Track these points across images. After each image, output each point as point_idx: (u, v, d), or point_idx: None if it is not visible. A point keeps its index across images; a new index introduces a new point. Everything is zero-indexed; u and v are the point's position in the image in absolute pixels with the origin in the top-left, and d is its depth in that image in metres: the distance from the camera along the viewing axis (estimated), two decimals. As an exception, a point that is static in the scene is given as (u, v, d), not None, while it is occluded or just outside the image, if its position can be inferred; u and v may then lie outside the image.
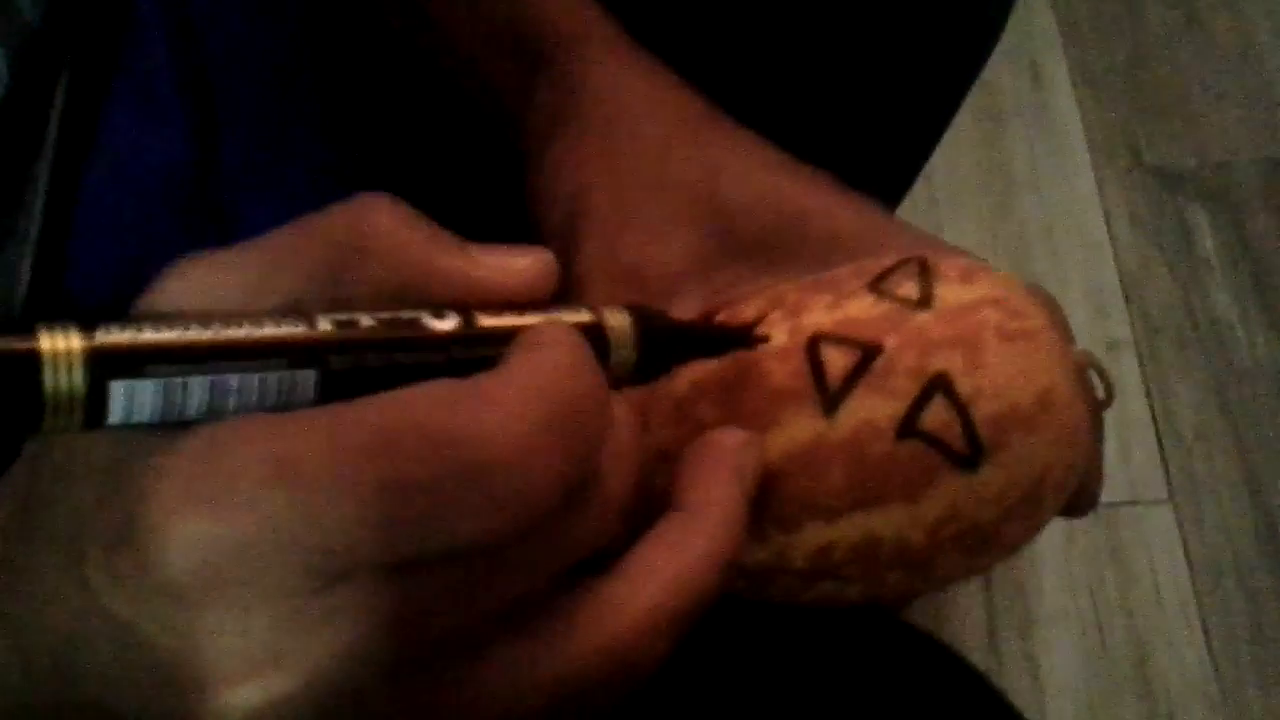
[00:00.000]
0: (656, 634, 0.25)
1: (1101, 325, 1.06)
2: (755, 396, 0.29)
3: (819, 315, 0.29)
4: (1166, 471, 0.99)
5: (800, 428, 0.28)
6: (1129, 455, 1.00)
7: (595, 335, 0.26)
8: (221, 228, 0.45)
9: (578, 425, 0.24)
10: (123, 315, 0.23)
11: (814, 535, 0.29)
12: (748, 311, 0.30)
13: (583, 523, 0.24)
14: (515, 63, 0.37)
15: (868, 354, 0.28)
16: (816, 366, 0.28)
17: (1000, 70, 1.22)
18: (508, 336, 0.25)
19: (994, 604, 0.94)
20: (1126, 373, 1.04)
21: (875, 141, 0.50)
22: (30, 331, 0.22)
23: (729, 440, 0.28)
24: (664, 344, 0.28)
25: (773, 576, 0.30)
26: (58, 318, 0.22)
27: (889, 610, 0.35)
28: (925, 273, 0.30)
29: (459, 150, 0.44)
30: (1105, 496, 1.04)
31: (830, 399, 0.28)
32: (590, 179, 0.34)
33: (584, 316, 0.26)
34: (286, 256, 0.24)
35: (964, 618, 0.93)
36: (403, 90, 0.45)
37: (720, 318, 0.31)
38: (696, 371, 0.30)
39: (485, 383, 0.23)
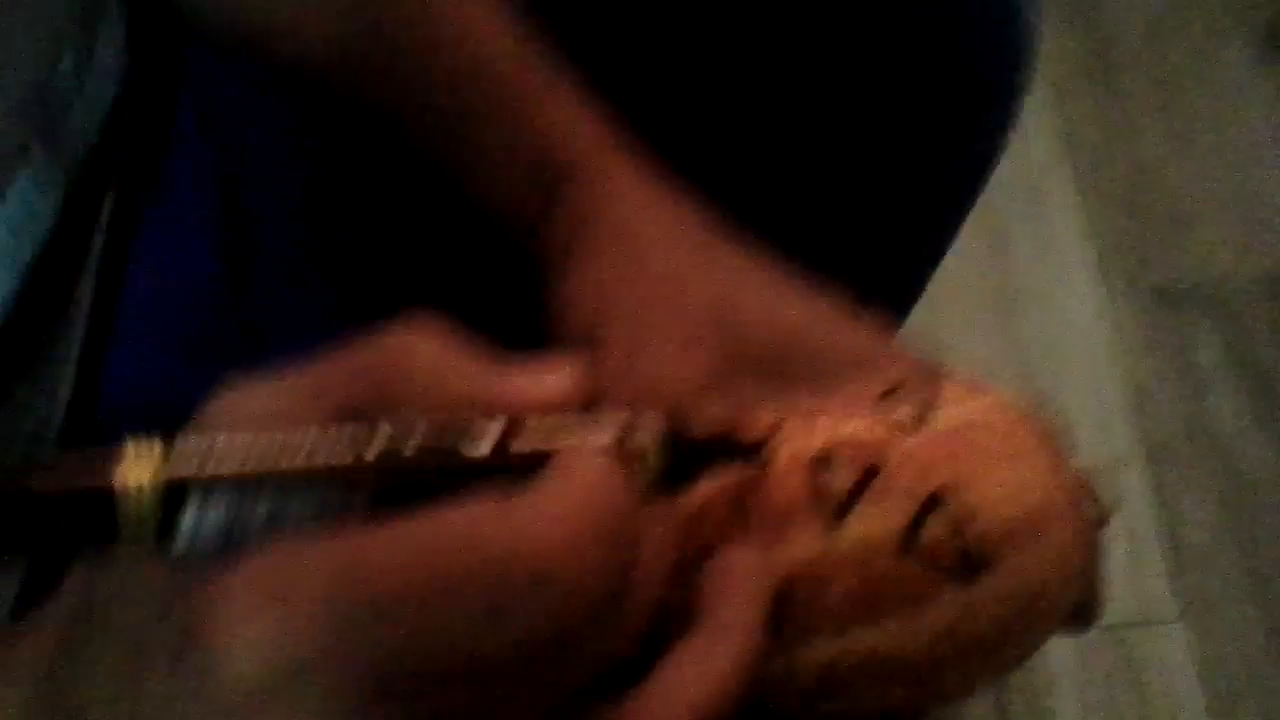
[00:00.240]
0: None
1: (1107, 441, 1.07)
2: (762, 514, 0.30)
3: (821, 435, 0.30)
4: (1177, 591, 0.99)
5: (805, 544, 0.29)
6: (1139, 573, 1.00)
7: (625, 454, 0.28)
8: (253, 346, 0.46)
9: (613, 535, 0.25)
10: (191, 441, 0.24)
11: (821, 650, 0.30)
12: (758, 425, 0.31)
13: (614, 633, 0.26)
14: (532, 188, 0.38)
15: (869, 471, 0.29)
16: (820, 484, 0.30)
17: (1003, 189, 1.24)
18: (542, 459, 0.26)
19: (1008, 725, 0.93)
20: (1134, 489, 1.04)
21: (881, 256, 0.51)
22: (111, 457, 0.23)
23: (748, 562, 0.29)
24: (687, 455, 0.29)
25: (784, 690, 0.30)
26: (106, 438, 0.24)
27: None
28: (923, 394, 0.31)
29: (482, 263, 0.45)
30: (1116, 617, 1.03)
31: (833, 514, 0.29)
32: (607, 304, 0.35)
33: (607, 436, 0.28)
34: (332, 385, 0.26)
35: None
36: (424, 208, 0.46)
37: (731, 426, 0.32)
38: (708, 488, 0.31)
39: (528, 498, 0.25)
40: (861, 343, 0.35)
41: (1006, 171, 1.31)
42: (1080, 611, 0.32)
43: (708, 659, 0.27)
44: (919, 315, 0.61)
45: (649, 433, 0.28)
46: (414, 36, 0.39)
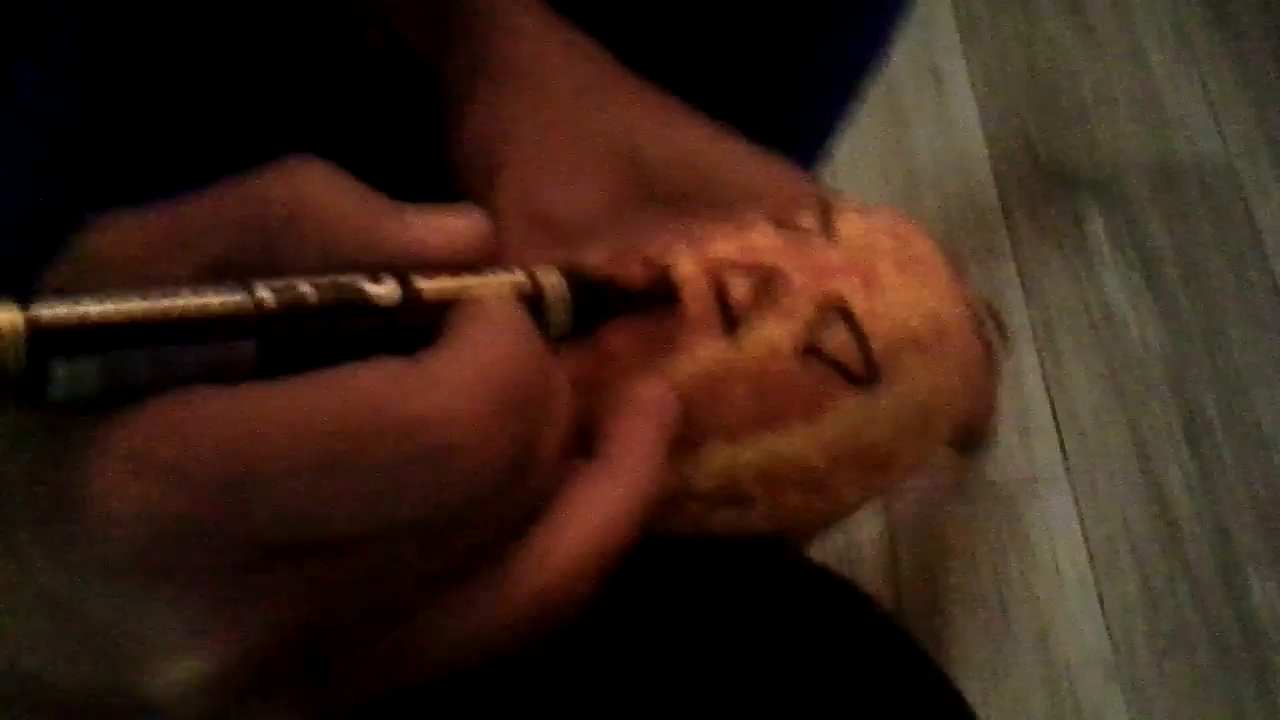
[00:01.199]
0: (582, 579, 0.25)
1: (1001, 314, 1.10)
2: (664, 327, 0.30)
3: (724, 249, 0.30)
4: (1064, 453, 1.03)
5: (705, 352, 0.29)
6: (1028, 438, 1.04)
7: (531, 298, 0.26)
8: (121, 185, 0.45)
9: (524, 404, 0.24)
10: (61, 290, 0.22)
11: (720, 456, 0.29)
12: (655, 248, 0.31)
13: (522, 492, 0.25)
14: (428, 20, 0.37)
15: (769, 279, 0.29)
16: (721, 292, 0.29)
17: (902, 72, 1.26)
18: (447, 303, 0.25)
19: (900, 582, 0.96)
20: (1025, 361, 1.07)
21: (782, 122, 0.51)
22: None
23: (649, 390, 0.29)
24: (595, 302, 0.28)
25: (680, 502, 0.30)
26: None
27: (799, 551, 0.36)
28: (825, 208, 0.31)
29: (372, 106, 0.45)
30: (1005, 476, 1.07)
31: (733, 322, 0.29)
32: (507, 129, 0.34)
33: (519, 279, 0.27)
34: (216, 219, 0.24)
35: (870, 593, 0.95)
36: (311, 49, 0.45)
37: (629, 255, 0.32)
38: (613, 332, 0.30)
39: (433, 363, 0.23)
40: (769, 172, 0.34)
41: (907, 54, 1.32)
42: (972, 431, 0.33)
43: (606, 487, 0.26)
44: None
45: (558, 278, 0.27)
46: None
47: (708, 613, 0.35)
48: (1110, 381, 1.06)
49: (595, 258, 0.32)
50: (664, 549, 0.31)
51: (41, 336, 0.21)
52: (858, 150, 1.17)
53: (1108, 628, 0.94)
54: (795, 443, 0.29)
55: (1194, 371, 1.07)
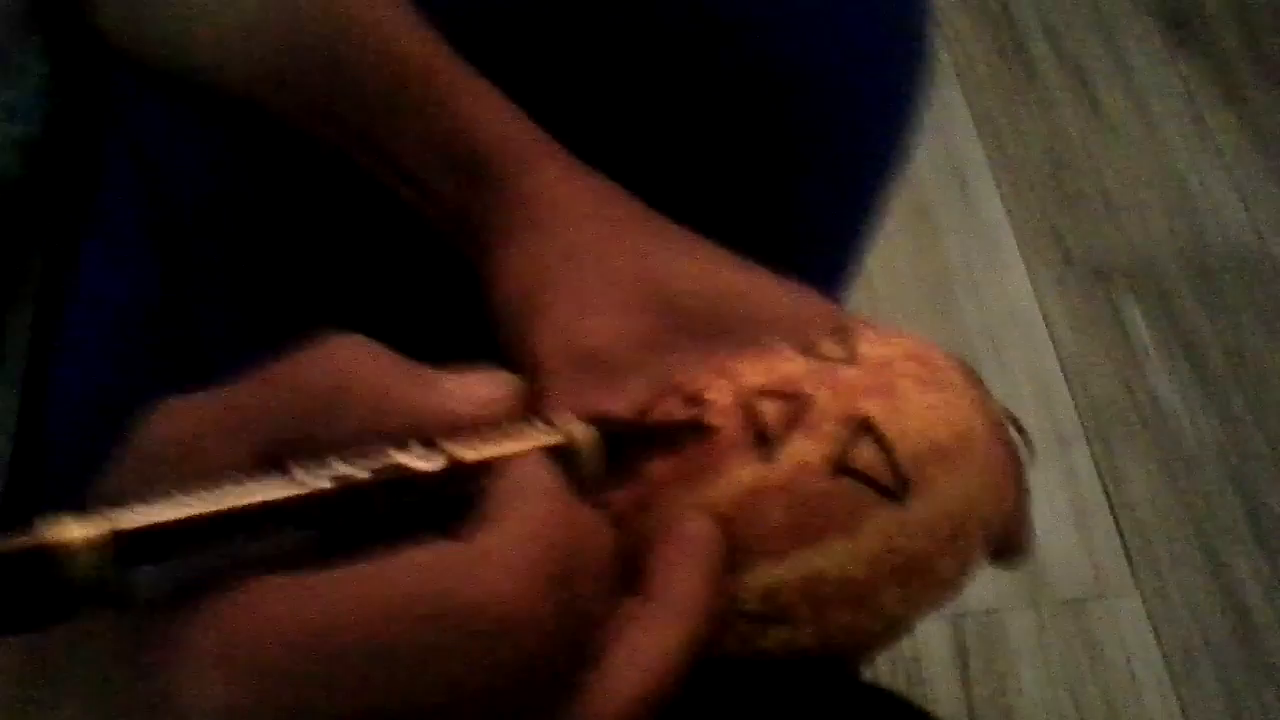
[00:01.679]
0: (639, 716, 0.26)
1: (1050, 419, 1.09)
2: (701, 452, 0.31)
3: (755, 377, 0.32)
4: (1130, 563, 1.01)
5: (743, 473, 0.30)
6: (1092, 546, 1.02)
7: (565, 452, 0.28)
8: (193, 368, 0.46)
9: (567, 570, 0.25)
10: (138, 499, 0.24)
11: (761, 575, 0.30)
12: (689, 379, 0.32)
13: (573, 648, 0.26)
14: (459, 176, 0.38)
15: (800, 405, 0.31)
16: (754, 419, 0.31)
17: (928, 182, 1.26)
18: (487, 468, 0.27)
19: (973, 702, 0.94)
20: (1079, 464, 1.06)
21: (802, 242, 0.52)
22: (50, 523, 0.23)
23: (695, 529, 0.30)
24: (627, 448, 0.30)
25: (730, 622, 0.31)
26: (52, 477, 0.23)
27: (856, 671, 0.36)
28: (847, 331, 0.33)
29: (415, 274, 0.45)
30: (1072, 591, 1.05)
31: (769, 446, 0.30)
32: (542, 273, 0.36)
33: (553, 438, 0.28)
34: (264, 403, 0.25)
35: (943, 712, 0.92)
36: (354, 221, 0.46)
37: (665, 388, 0.33)
38: (648, 473, 0.31)
39: (480, 543, 0.25)
40: (788, 300, 0.35)
41: (931, 163, 1.33)
42: (1009, 542, 0.34)
43: (658, 629, 0.27)
44: (858, 306, 0.61)
45: (589, 430, 0.29)
46: (330, 37, 0.40)
47: None
48: (1168, 478, 1.05)
49: (634, 394, 0.33)
50: (721, 672, 0.31)
51: (126, 546, 0.23)
52: (890, 259, 1.18)
53: (1193, 739, 0.91)
54: (835, 557, 0.30)
55: (1252, 463, 1.06)
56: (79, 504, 0.44)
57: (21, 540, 0.22)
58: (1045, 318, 1.17)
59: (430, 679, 0.24)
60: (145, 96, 0.45)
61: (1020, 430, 0.34)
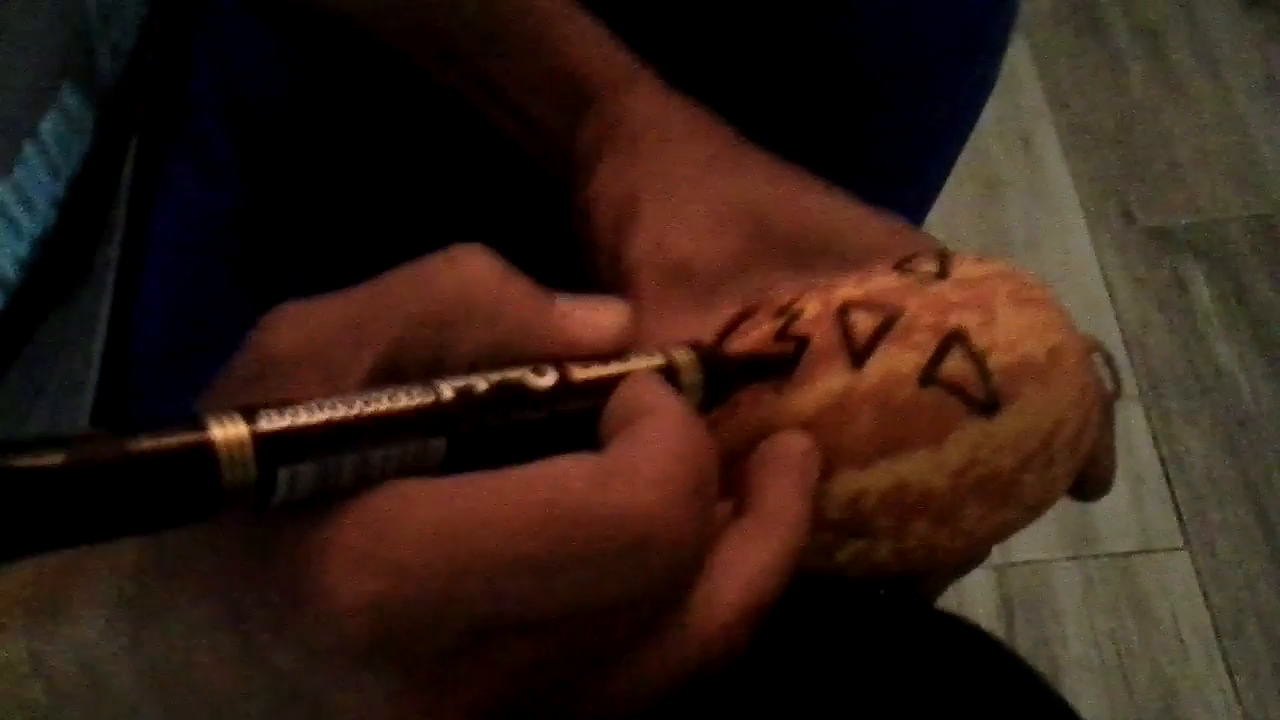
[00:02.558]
0: (742, 629, 0.27)
1: (1103, 371, 1.08)
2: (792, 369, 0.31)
3: (847, 290, 0.32)
4: (1180, 518, 1.01)
5: (832, 381, 0.30)
6: (1142, 504, 1.02)
7: (669, 378, 0.28)
8: (271, 280, 0.47)
9: (703, 486, 0.26)
10: (280, 400, 0.24)
11: (846, 483, 0.30)
12: (784, 298, 0.32)
13: (700, 559, 0.27)
14: (559, 104, 0.39)
15: (891, 315, 0.31)
16: (845, 328, 0.31)
17: (992, 140, 1.26)
18: (604, 388, 0.27)
19: (1017, 650, 0.95)
20: (1134, 425, 1.06)
21: (873, 195, 0.52)
22: (199, 423, 0.23)
23: (795, 445, 0.30)
24: (724, 376, 0.30)
25: (811, 532, 0.31)
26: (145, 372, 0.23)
27: (929, 600, 0.36)
28: (943, 254, 0.33)
29: (502, 198, 0.47)
30: (1121, 546, 1.05)
31: (858, 354, 0.30)
32: (637, 187, 0.36)
33: (657, 361, 0.29)
34: (387, 310, 0.25)
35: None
36: (443, 142, 0.47)
37: (758, 303, 0.33)
38: (742, 342, 0.32)
39: (623, 458, 0.25)
40: (887, 229, 0.35)
41: (996, 122, 1.33)
42: (1092, 474, 0.33)
43: (760, 542, 0.27)
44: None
45: (690, 355, 0.29)
46: None
47: (850, 654, 0.36)
48: (1224, 442, 1.04)
49: (724, 309, 0.34)
50: (801, 591, 0.31)
51: (266, 448, 0.23)
52: (951, 220, 1.18)
53: (1238, 696, 0.92)
54: (920, 468, 0.30)
55: (1311, 429, 1.05)
56: (168, 406, 0.45)
57: (172, 438, 0.22)
58: (1106, 279, 1.16)
59: (572, 587, 0.24)
60: (234, 10, 0.46)
61: (1109, 362, 0.33)
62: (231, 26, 0.47)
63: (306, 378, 0.25)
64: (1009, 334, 0.30)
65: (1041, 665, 0.94)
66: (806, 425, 0.30)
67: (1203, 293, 1.14)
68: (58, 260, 0.33)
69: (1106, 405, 0.33)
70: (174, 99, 0.42)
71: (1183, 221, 1.20)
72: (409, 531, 0.23)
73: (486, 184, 0.47)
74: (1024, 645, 0.95)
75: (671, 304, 0.34)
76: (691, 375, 0.29)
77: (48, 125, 0.32)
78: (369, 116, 0.48)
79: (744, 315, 0.33)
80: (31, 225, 0.31)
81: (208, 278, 0.46)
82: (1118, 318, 1.13)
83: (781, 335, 0.31)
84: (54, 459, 0.21)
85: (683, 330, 0.33)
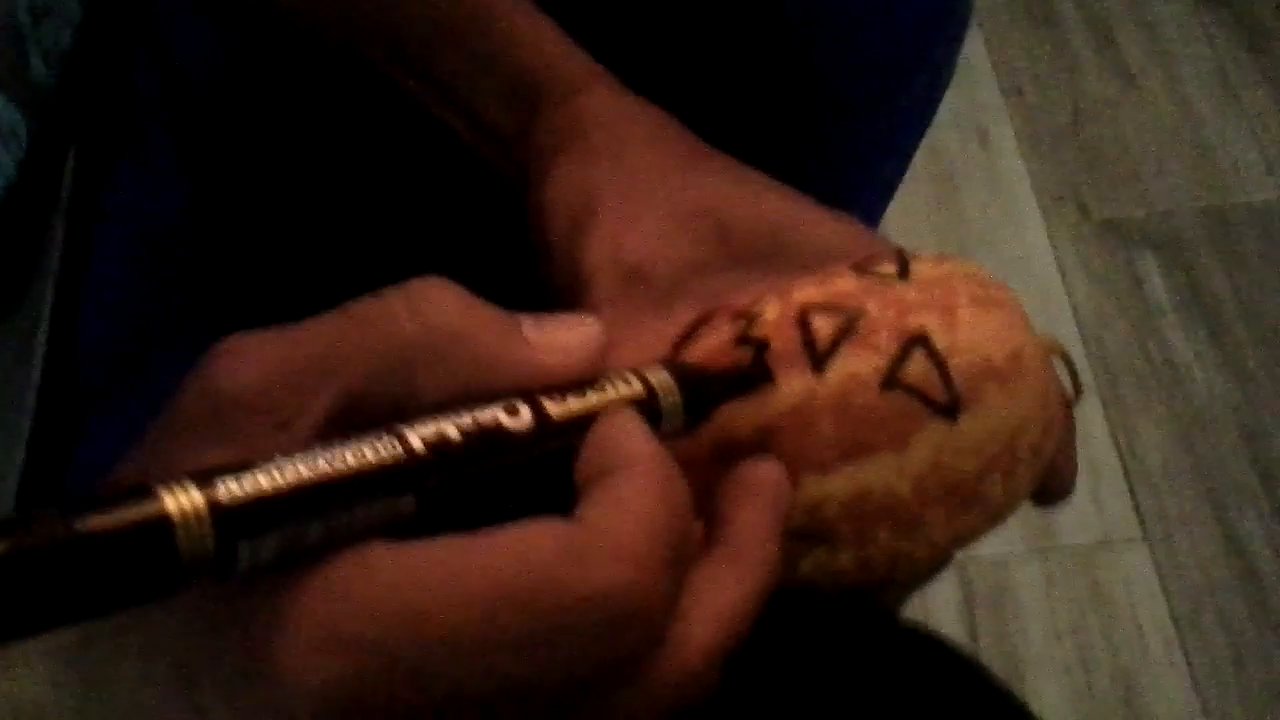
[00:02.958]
0: (714, 664, 0.26)
1: (1063, 374, 1.09)
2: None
3: (807, 292, 0.31)
4: (1138, 511, 1.01)
5: (792, 387, 0.30)
6: (1100, 497, 1.02)
7: (649, 405, 0.27)
8: (219, 288, 0.46)
9: (681, 547, 0.25)
10: (236, 464, 0.22)
11: (809, 489, 0.30)
12: (742, 302, 0.32)
13: (663, 626, 0.26)
14: (513, 105, 0.38)
15: (851, 318, 0.30)
16: (806, 331, 0.30)
17: (948, 134, 1.26)
18: (580, 424, 0.26)
19: (979, 651, 0.95)
20: (1091, 418, 1.06)
21: (831, 190, 0.52)
22: (150, 493, 0.21)
23: (766, 475, 0.29)
24: (702, 394, 0.29)
25: None
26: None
27: (892, 610, 0.36)
28: (902, 255, 0.32)
29: (445, 190, 0.46)
30: (1080, 538, 1.05)
31: (819, 358, 0.30)
32: (596, 188, 0.35)
33: (635, 388, 0.28)
34: (348, 349, 0.24)
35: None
36: (397, 149, 0.46)
37: (716, 310, 0.33)
38: (702, 346, 0.31)
39: (597, 524, 0.24)
40: (844, 231, 0.35)
41: (952, 115, 1.33)
42: (1054, 479, 0.33)
43: (732, 578, 0.27)
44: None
45: (667, 377, 0.28)
46: None
47: (814, 670, 0.35)
48: (1180, 435, 1.05)
49: (683, 313, 0.33)
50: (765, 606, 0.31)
51: (226, 520, 0.22)
52: (908, 213, 1.18)
53: (1196, 687, 0.92)
54: (883, 473, 0.30)
55: (1266, 420, 1.06)
56: (114, 425, 0.44)
57: (124, 513, 0.21)
58: (1061, 272, 1.17)
59: (541, 663, 0.23)
60: (177, 8, 0.45)
61: (1069, 365, 0.33)
62: (174, 25, 0.45)
63: (259, 422, 0.24)
64: (971, 336, 0.30)
65: (1003, 659, 0.94)
66: (768, 430, 0.30)
67: (1158, 285, 1.15)
68: None
69: (1067, 409, 0.33)
70: (115, 103, 0.41)
71: (1137, 214, 1.20)
72: (372, 606, 0.23)
73: (437, 185, 0.46)
74: (986, 640, 0.95)
75: (629, 307, 0.34)
76: (670, 399, 0.28)
77: None
78: (318, 117, 0.47)
79: (703, 320, 0.33)
80: None
81: (154, 287, 0.45)
82: (1073, 311, 1.14)
83: (741, 339, 0.31)
84: None
85: (642, 334, 0.33)
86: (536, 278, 0.37)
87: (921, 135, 0.55)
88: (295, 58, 0.45)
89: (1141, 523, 1.01)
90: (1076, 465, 0.34)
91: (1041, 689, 0.93)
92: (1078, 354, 1.11)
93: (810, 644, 0.35)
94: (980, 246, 1.19)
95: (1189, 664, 0.93)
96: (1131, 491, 1.02)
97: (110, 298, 0.43)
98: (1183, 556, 0.99)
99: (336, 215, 0.47)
